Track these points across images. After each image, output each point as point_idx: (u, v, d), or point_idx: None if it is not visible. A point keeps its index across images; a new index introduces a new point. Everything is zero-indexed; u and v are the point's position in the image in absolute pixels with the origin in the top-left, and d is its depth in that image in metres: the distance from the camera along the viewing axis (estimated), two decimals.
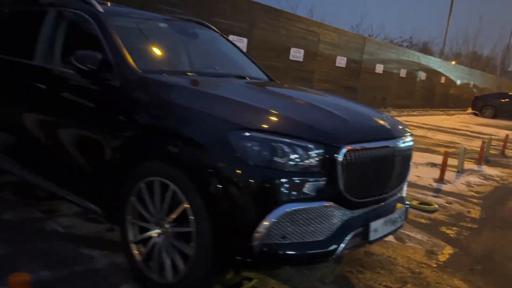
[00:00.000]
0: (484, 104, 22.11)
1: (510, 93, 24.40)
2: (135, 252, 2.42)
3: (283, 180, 2.00)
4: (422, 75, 19.15)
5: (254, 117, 2.19)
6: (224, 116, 2.16)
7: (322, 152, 2.06)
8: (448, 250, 3.39)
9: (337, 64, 12.85)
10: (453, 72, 23.19)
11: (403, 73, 17.27)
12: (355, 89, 13.85)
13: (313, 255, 2.10)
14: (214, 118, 2.16)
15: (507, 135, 10.04)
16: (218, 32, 3.99)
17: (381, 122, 2.51)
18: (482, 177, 6.36)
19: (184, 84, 2.62)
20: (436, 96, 21.27)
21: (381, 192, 2.36)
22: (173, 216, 2.22)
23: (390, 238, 3.35)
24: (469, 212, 4.49)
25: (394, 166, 2.41)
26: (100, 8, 3.01)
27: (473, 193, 5.33)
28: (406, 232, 3.61)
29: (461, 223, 4.08)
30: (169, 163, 2.23)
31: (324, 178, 2.06)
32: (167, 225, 2.28)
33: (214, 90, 2.57)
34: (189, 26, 3.68)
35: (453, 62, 25.43)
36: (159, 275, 2.31)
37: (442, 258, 3.23)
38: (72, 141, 2.82)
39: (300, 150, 2.03)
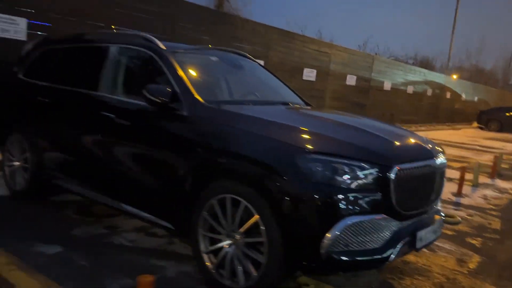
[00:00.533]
0: (490, 118, 22.45)
1: None
2: (207, 261, 2.76)
3: (344, 196, 2.34)
4: (428, 91, 19.56)
5: (316, 141, 2.55)
6: (290, 141, 2.51)
7: (377, 171, 2.40)
8: (476, 259, 3.70)
9: (347, 82, 13.28)
10: (458, 87, 23.61)
11: (409, 89, 17.69)
12: (364, 105, 14.23)
13: (371, 261, 2.43)
14: (281, 143, 2.52)
15: None
16: (256, 62, 4.39)
17: (421, 143, 2.87)
18: (497, 191, 6.67)
19: (248, 113, 2.97)
20: (441, 111, 21.64)
21: (424, 205, 2.70)
22: (245, 228, 2.56)
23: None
24: (489, 224, 4.80)
25: (434, 181, 2.75)
26: (162, 46, 3.41)
27: (491, 206, 5.64)
28: (436, 243, 3.92)
29: (484, 234, 4.39)
30: (241, 183, 2.57)
31: (378, 194, 2.40)
32: (238, 236, 2.61)
33: (273, 117, 2.93)
34: (235, 58, 4.08)
35: (455, 76, 25.84)
36: (231, 281, 2.63)
37: (472, 265, 3.54)
38: (144, 164, 3.17)
39: (358, 170, 2.38)
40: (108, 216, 4.00)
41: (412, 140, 2.91)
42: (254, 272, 2.53)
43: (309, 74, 11.43)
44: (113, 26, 6.08)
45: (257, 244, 2.53)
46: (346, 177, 2.37)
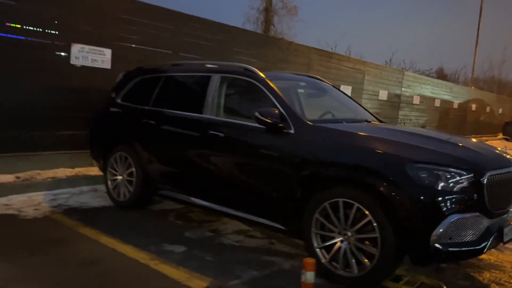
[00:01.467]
0: None
1: None
2: (320, 255, 3.29)
3: (447, 197, 2.87)
4: (454, 104, 19.90)
5: (418, 152, 3.09)
6: (397, 152, 3.06)
7: (472, 177, 2.93)
8: None
9: (379, 98, 13.79)
10: (482, 99, 23.86)
11: (437, 102, 18.07)
12: (396, 119, 14.70)
13: (469, 252, 2.93)
14: (390, 154, 3.06)
15: None
16: (329, 84, 4.98)
17: (501, 153, 3.39)
18: None
19: (347, 129, 3.54)
20: (468, 123, 21.90)
21: (506, 205, 3.20)
22: (357, 226, 3.09)
23: None
24: None
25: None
26: (262, 74, 4.01)
27: None
28: None
29: None
30: (355, 188, 3.12)
31: (474, 196, 2.92)
32: (349, 233, 3.14)
33: (369, 132, 3.48)
34: (315, 82, 4.68)
35: (473, 87, 26.10)
36: (345, 271, 3.16)
37: None
38: (256, 175, 3.73)
39: (457, 176, 2.91)
40: (207, 221, 4.58)
41: (495, 151, 3.43)
42: (367, 263, 3.05)
43: (345, 91, 11.98)
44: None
45: (368, 239, 3.06)
46: (448, 182, 2.90)
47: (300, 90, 4.39)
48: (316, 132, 3.51)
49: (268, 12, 9.83)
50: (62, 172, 5.87)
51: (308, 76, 4.93)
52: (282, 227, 3.57)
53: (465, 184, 2.92)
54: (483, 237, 2.96)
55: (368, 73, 12.98)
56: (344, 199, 3.15)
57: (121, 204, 4.96)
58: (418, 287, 3.20)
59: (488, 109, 24.87)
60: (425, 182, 2.90)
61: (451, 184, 2.89)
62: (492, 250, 4.07)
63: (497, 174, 3.06)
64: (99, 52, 6.36)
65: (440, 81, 20.08)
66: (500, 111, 27.23)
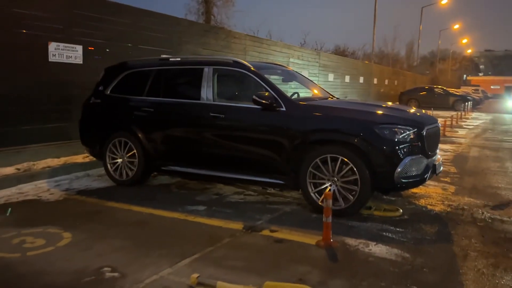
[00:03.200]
0: (409, 98, 26.05)
1: (426, 87, 28.76)
2: (315, 198, 4.49)
3: (402, 146, 4.22)
4: (360, 79, 22.42)
5: (380, 117, 4.40)
6: (365, 118, 4.34)
7: (416, 131, 4.31)
8: (452, 187, 5.82)
9: None
10: (381, 73, 26.95)
11: (347, 79, 20.32)
12: None
13: (418, 181, 4.34)
14: (360, 120, 4.33)
15: (445, 121, 13.14)
16: (293, 70, 6.15)
17: (430, 114, 4.85)
18: (441, 151, 9.05)
19: (324, 104, 4.75)
20: (372, 95, 24.75)
21: (435, 149, 4.68)
22: (343, 172, 4.33)
23: None
24: (449, 169, 7.02)
25: (438, 136, 4.74)
26: (251, 66, 5.05)
27: (444, 160, 7.92)
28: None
29: (449, 175, 6.56)
30: (339, 146, 4.34)
31: (418, 143, 4.31)
32: (336, 179, 4.38)
33: (339, 105, 4.75)
34: (285, 69, 5.81)
35: (367, 62, 29.32)
36: (334, 205, 4.39)
37: (451, 190, 5.64)
38: (259, 145, 4.74)
39: (407, 131, 4.27)
40: (206, 189, 5.55)
41: (427, 113, 4.89)
42: (351, 197, 4.31)
43: None
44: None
45: (350, 182, 4.31)
46: (401, 135, 4.25)
47: (277, 77, 5.50)
48: (302, 108, 4.67)
49: (207, 3, 10.56)
50: (52, 162, 6.35)
51: (278, 64, 6.05)
52: (282, 182, 4.70)
53: (412, 136, 4.30)
54: (425, 171, 4.39)
55: (292, 56, 14.43)
56: (331, 155, 4.36)
57: (123, 182, 5.68)
58: (383, 211, 4.57)
59: (386, 81, 28.16)
60: (387, 137, 4.22)
61: (404, 137, 4.26)
62: (421, 186, 5.64)
63: (430, 128, 4.51)
64: (72, 49, 6.82)
65: (349, 59, 22.47)
66: (396, 83, 30.89)
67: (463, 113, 20.39)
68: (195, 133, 5.17)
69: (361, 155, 4.25)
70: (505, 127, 15.89)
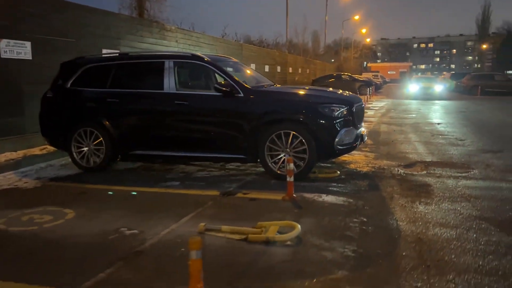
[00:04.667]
0: (321, 85, 28.25)
1: (334, 74, 31.34)
2: (272, 167, 5.47)
3: (338, 120, 5.35)
4: (278, 68, 23.90)
5: (319, 97, 5.50)
6: (309, 99, 5.42)
7: (348, 108, 5.47)
8: (372, 154, 7.17)
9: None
10: (295, 63, 28.80)
11: (266, 68, 21.62)
12: None
13: (350, 148, 5.53)
14: (305, 101, 5.39)
15: None
16: (239, 62, 7.03)
17: (357, 95, 6.06)
18: None
19: (273, 90, 5.73)
20: (288, 83, 26.44)
21: (360, 123, 5.90)
22: (294, 144, 5.35)
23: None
24: (367, 142, 8.44)
25: (363, 112, 5.98)
26: (208, 59, 5.85)
27: None
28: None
29: (368, 146, 7.96)
30: (291, 123, 5.34)
31: (350, 118, 5.48)
32: (288, 150, 5.39)
33: (285, 90, 5.77)
34: (234, 61, 6.66)
35: (277, 52, 31.23)
36: (285, 170, 5.41)
37: (372, 156, 6.99)
38: (219, 127, 5.59)
39: (341, 109, 5.41)
40: (170, 169, 6.26)
41: (353, 94, 6.10)
42: (302, 164, 5.36)
43: None
44: None
45: (300, 152, 5.35)
46: (337, 112, 5.38)
47: (230, 68, 6.34)
48: (256, 94, 5.60)
49: None
50: (12, 155, 6.58)
51: (226, 57, 6.89)
52: (244, 156, 5.61)
53: (345, 112, 5.45)
54: (355, 139, 5.59)
55: (217, 48, 15.23)
56: (284, 131, 5.37)
57: (91, 169, 6.16)
58: (325, 174, 5.69)
59: (299, 70, 30.13)
60: (327, 114, 5.33)
61: (339, 113, 5.39)
62: (348, 155, 6.90)
63: (358, 106, 5.71)
64: (22, 45, 7.00)
65: (268, 50, 23.78)
66: (307, 71, 33.09)
67: (368, 97, 22.78)
68: (161, 119, 5.84)
69: (308, 129, 5.31)
70: (404, 107, 18.31)
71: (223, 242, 3.47)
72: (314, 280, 2.80)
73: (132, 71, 6.19)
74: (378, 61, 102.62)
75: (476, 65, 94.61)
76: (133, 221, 3.99)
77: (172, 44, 11.76)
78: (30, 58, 7.15)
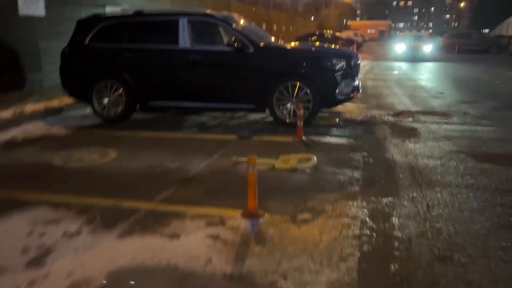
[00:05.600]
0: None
1: (317, 32, 31.66)
2: (279, 114, 6.19)
3: (339, 73, 6.08)
4: (263, 26, 24.15)
5: (322, 53, 6.19)
6: (312, 54, 6.10)
7: (348, 62, 6.18)
8: (364, 105, 7.97)
9: None
10: (280, 21, 28.97)
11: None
12: None
13: (350, 97, 6.29)
14: (309, 56, 6.07)
15: None
16: (249, 21, 7.57)
17: (354, 50, 6.75)
18: None
19: (280, 46, 6.38)
20: None
21: (357, 75, 6.63)
22: (299, 96, 6.06)
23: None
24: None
25: (359, 66, 6.72)
26: (221, 17, 6.40)
27: None
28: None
29: (359, 98, 8.72)
30: (297, 76, 6.03)
31: (349, 71, 6.21)
32: (294, 100, 6.11)
33: (294, 46, 6.42)
34: (241, 19, 7.21)
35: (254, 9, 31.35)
36: (292, 118, 6.14)
37: (364, 106, 7.78)
38: (231, 79, 6.24)
39: (341, 62, 6.11)
40: (183, 120, 6.92)
41: (351, 50, 6.78)
42: (307, 112, 6.09)
43: None
44: None
45: (305, 101, 6.07)
46: (338, 66, 6.09)
47: (239, 24, 6.89)
48: (265, 49, 6.23)
49: None
50: (35, 107, 7.08)
51: (234, 15, 7.41)
52: (254, 106, 6.30)
53: (345, 66, 6.16)
54: (353, 90, 6.34)
55: (206, 3, 15.47)
56: (291, 82, 6.06)
57: (110, 119, 6.74)
58: (326, 121, 6.47)
59: (283, 28, 30.34)
60: (329, 67, 6.03)
61: (340, 66, 6.10)
62: (343, 106, 7.66)
63: (355, 59, 6.43)
64: (36, 2, 7.34)
65: (255, 7, 23.88)
66: (291, 29, 33.30)
67: None
68: (176, 73, 6.43)
69: (312, 81, 6.02)
70: (387, 64, 19.09)
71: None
72: (333, 193, 3.61)
73: (148, 28, 6.69)
74: (357, 19, 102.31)
75: (453, 23, 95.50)
76: (172, 159, 4.69)
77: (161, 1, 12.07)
78: (43, 14, 7.50)
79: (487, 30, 56.02)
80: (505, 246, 2.72)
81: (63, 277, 2.39)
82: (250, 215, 3.15)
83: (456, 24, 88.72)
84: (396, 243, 2.76)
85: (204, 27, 6.61)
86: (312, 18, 59.42)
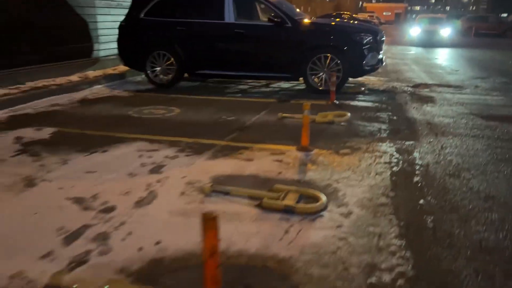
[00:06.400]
0: None
1: (334, 13, 32.00)
2: (312, 82, 7.08)
3: (367, 46, 6.92)
4: None
5: (353, 28, 7.04)
6: (344, 29, 6.96)
7: (374, 37, 7.02)
8: (384, 78, 8.80)
9: None
10: (297, 1, 29.45)
11: None
12: None
13: (375, 68, 7.15)
14: (342, 31, 6.93)
15: None
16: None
17: (379, 26, 7.58)
18: None
19: (314, 21, 7.23)
20: None
21: (382, 49, 7.47)
22: (329, 65, 6.94)
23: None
24: (378, 70, 10.04)
25: (383, 40, 7.54)
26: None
27: None
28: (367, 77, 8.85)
29: (380, 73, 9.56)
30: (327, 48, 6.90)
31: (375, 45, 7.05)
32: (326, 69, 6.98)
33: (327, 21, 7.27)
34: None
35: None
36: (325, 86, 7.03)
37: (385, 79, 8.61)
38: (272, 51, 7.12)
39: (369, 37, 6.95)
40: (226, 87, 7.84)
41: (377, 26, 7.62)
42: (336, 80, 6.97)
43: None
44: None
45: (336, 71, 6.94)
46: (366, 40, 6.93)
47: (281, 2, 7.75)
48: (301, 24, 7.08)
49: None
50: (94, 73, 8.06)
51: None
52: (290, 75, 7.20)
53: (371, 40, 7.00)
54: (378, 62, 7.19)
55: None
56: (323, 54, 6.93)
57: (162, 85, 7.70)
58: (352, 89, 7.35)
59: (301, 8, 30.83)
60: (358, 41, 6.88)
61: (368, 41, 6.94)
62: (366, 77, 8.50)
63: (380, 35, 7.26)
64: None
65: None
66: (308, 9, 33.74)
67: None
68: (222, 45, 7.33)
69: (343, 53, 6.88)
70: (402, 46, 19.69)
71: (298, 123, 5.15)
72: (366, 138, 4.53)
73: (197, 4, 7.57)
74: (373, 1, 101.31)
75: (471, 7, 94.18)
76: (227, 114, 5.63)
77: None
78: None
79: (505, 14, 55.53)
80: (500, 170, 3.63)
81: (179, 178, 3.37)
82: (303, 149, 4.08)
83: (473, 8, 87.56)
84: (417, 167, 3.68)
85: (246, 3, 7.46)
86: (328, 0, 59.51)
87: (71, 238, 2.47)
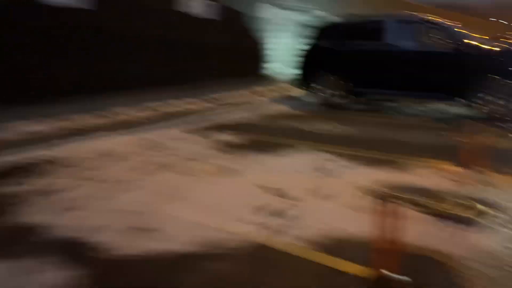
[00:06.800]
0: None
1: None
2: (478, 106, 6.71)
3: None
4: None
5: None
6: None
7: None
8: None
9: None
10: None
11: None
12: None
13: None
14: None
15: None
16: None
17: None
18: None
19: (488, 46, 6.93)
20: None
21: None
22: (502, 90, 6.49)
23: None
24: None
25: None
26: (436, 21, 7.21)
27: None
28: None
29: None
30: (496, 71, 6.49)
31: None
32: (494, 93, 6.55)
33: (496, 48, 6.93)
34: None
35: None
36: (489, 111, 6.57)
37: None
38: (441, 75, 7.03)
39: None
40: (386, 108, 7.95)
41: None
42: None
43: None
44: None
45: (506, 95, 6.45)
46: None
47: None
48: (475, 49, 6.82)
49: None
50: (272, 94, 9.13)
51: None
52: (455, 97, 7.01)
53: None
54: None
55: None
56: (495, 78, 6.53)
57: (332, 106, 8.22)
58: None
59: None
60: None
61: None
62: None
63: None
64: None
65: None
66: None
67: None
68: (389, 68, 7.52)
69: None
70: None
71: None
72: None
73: (362, 31, 8.02)
74: None
75: None
76: (395, 133, 5.82)
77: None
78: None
79: None
80: None
81: (348, 182, 3.72)
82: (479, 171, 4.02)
83: None
84: None
85: (413, 28, 7.45)
86: (493, 19, 52.62)
87: (265, 212, 3.03)
